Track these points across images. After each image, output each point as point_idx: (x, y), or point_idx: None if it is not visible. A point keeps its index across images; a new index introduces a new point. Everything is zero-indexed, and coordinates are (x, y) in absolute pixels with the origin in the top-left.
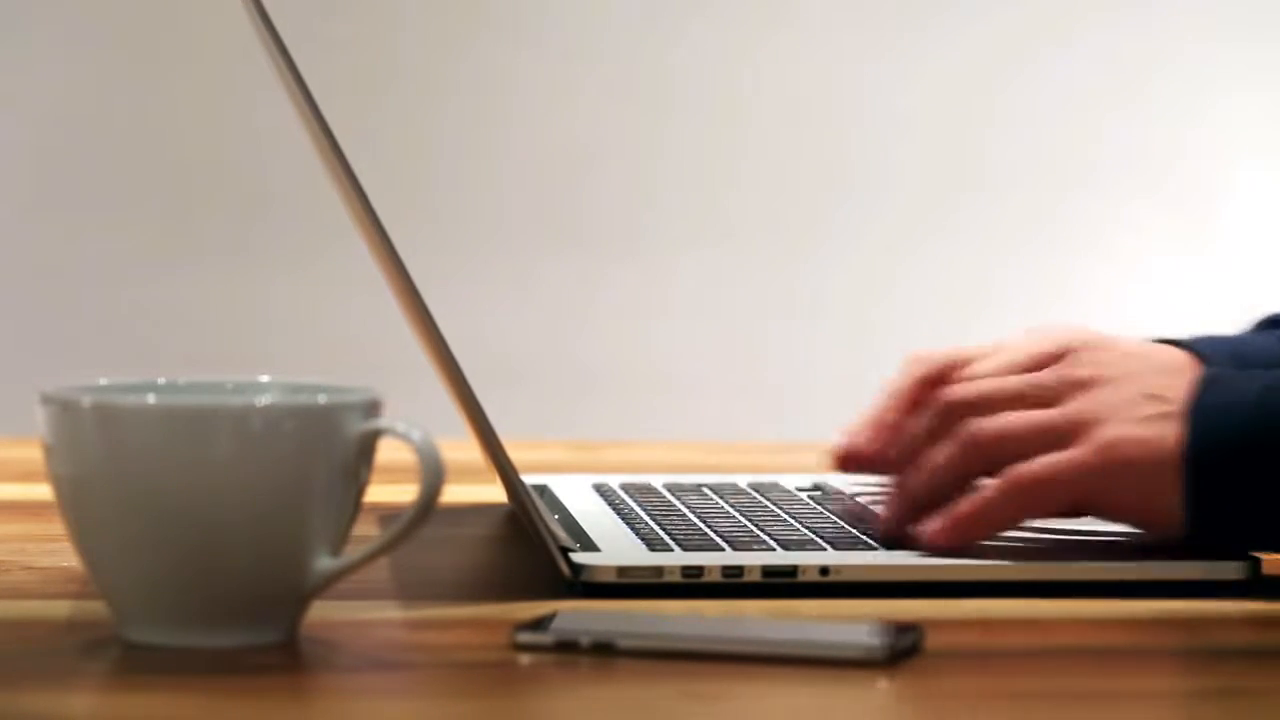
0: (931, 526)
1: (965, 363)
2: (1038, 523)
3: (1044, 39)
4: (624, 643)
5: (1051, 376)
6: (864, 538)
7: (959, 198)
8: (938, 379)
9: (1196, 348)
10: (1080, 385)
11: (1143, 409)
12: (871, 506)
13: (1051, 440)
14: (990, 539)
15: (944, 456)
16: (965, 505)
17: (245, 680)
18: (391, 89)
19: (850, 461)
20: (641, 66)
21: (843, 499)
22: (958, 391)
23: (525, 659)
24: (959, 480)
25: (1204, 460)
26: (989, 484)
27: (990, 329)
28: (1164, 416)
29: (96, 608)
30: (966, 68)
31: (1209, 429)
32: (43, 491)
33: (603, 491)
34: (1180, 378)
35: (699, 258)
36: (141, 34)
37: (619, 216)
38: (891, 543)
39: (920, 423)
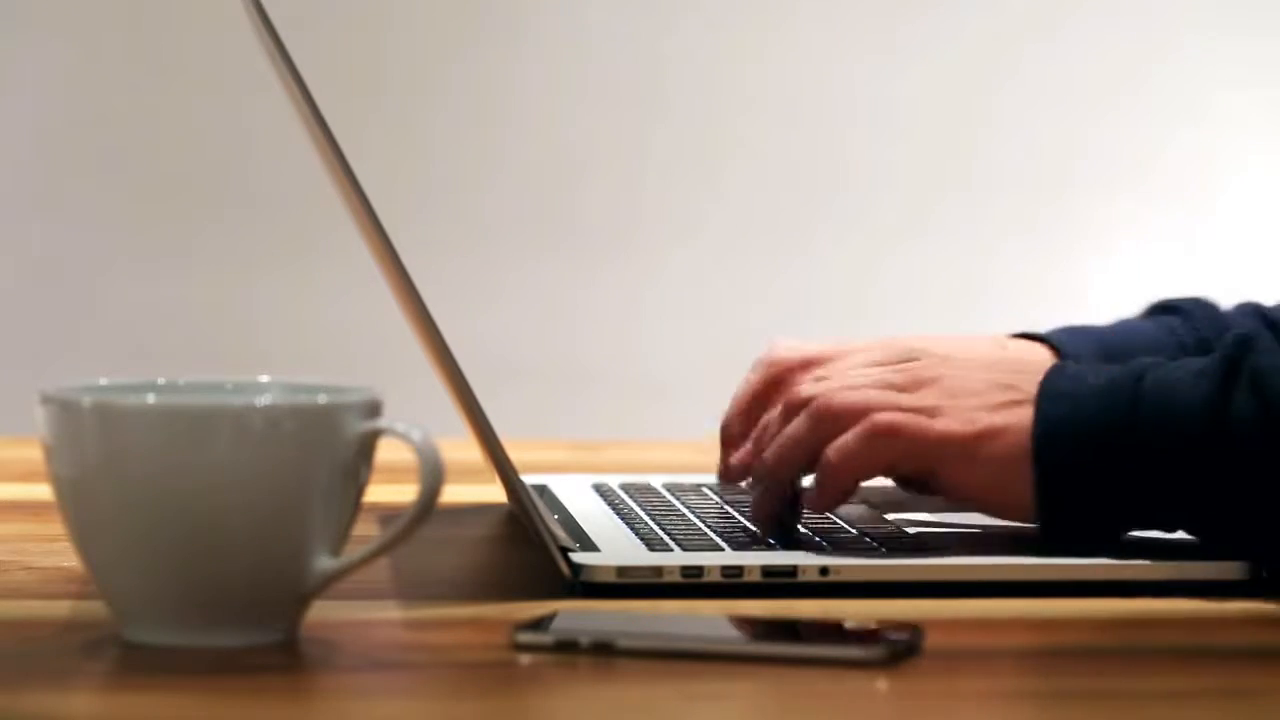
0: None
1: (816, 362)
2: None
3: (1037, 36)
4: (624, 643)
5: (901, 375)
6: (864, 538)
7: (951, 195)
8: (783, 379)
9: (1056, 340)
10: (930, 380)
11: (995, 396)
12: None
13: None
14: (851, 494)
15: (794, 428)
16: (827, 453)
17: (245, 680)
18: (384, 90)
19: (735, 477)
20: (634, 67)
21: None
22: (805, 389)
23: (525, 659)
24: (812, 451)
25: (1053, 447)
26: (847, 434)
27: (982, 326)
28: (1016, 403)
29: (96, 608)
30: (958, 66)
31: (1058, 416)
32: (43, 491)
33: (603, 491)
34: (1032, 370)
35: (692, 256)
36: (141, 34)
37: (612, 215)
38: (780, 536)
39: (771, 418)
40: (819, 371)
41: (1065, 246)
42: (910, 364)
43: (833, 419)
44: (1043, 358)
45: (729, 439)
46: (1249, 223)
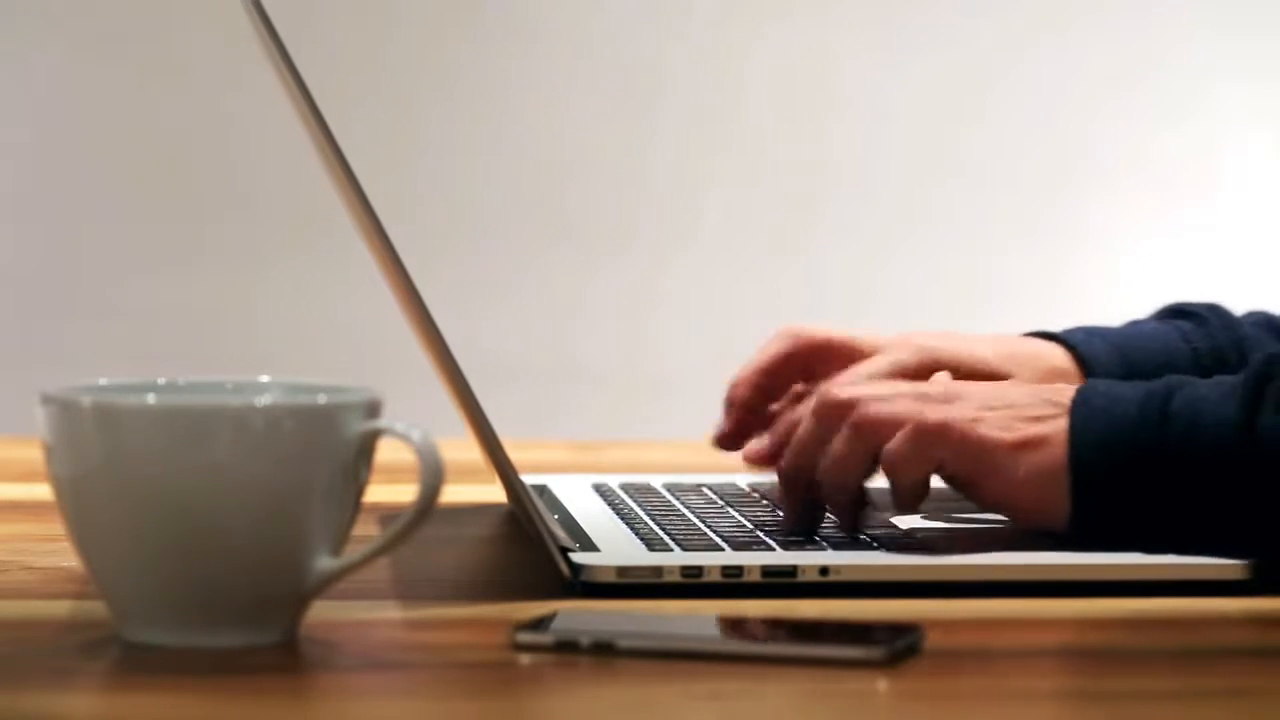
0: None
1: (839, 349)
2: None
3: (1035, 36)
4: (624, 643)
5: (936, 388)
6: (864, 538)
7: (951, 194)
8: (803, 357)
9: (1073, 340)
10: (966, 393)
11: (1032, 409)
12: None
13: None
14: (922, 493)
15: (842, 447)
16: (885, 465)
17: (245, 680)
18: (384, 90)
19: (729, 445)
20: (633, 66)
21: None
22: (842, 393)
23: (525, 659)
24: (863, 463)
25: (1089, 458)
26: (896, 438)
27: (982, 325)
28: (1052, 416)
29: (96, 608)
30: (957, 64)
31: (1094, 431)
32: (43, 491)
33: (603, 491)
34: (1060, 388)
35: (692, 256)
36: (141, 34)
37: (612, 215)
38: (811, 536)
39: (801, 415)
40: (847, 376)
41: (1065, 245)
42: (943, 378)
43: (874, 430)
44: (1062, 363)
45: (734, 402)
46: (1248, 220)
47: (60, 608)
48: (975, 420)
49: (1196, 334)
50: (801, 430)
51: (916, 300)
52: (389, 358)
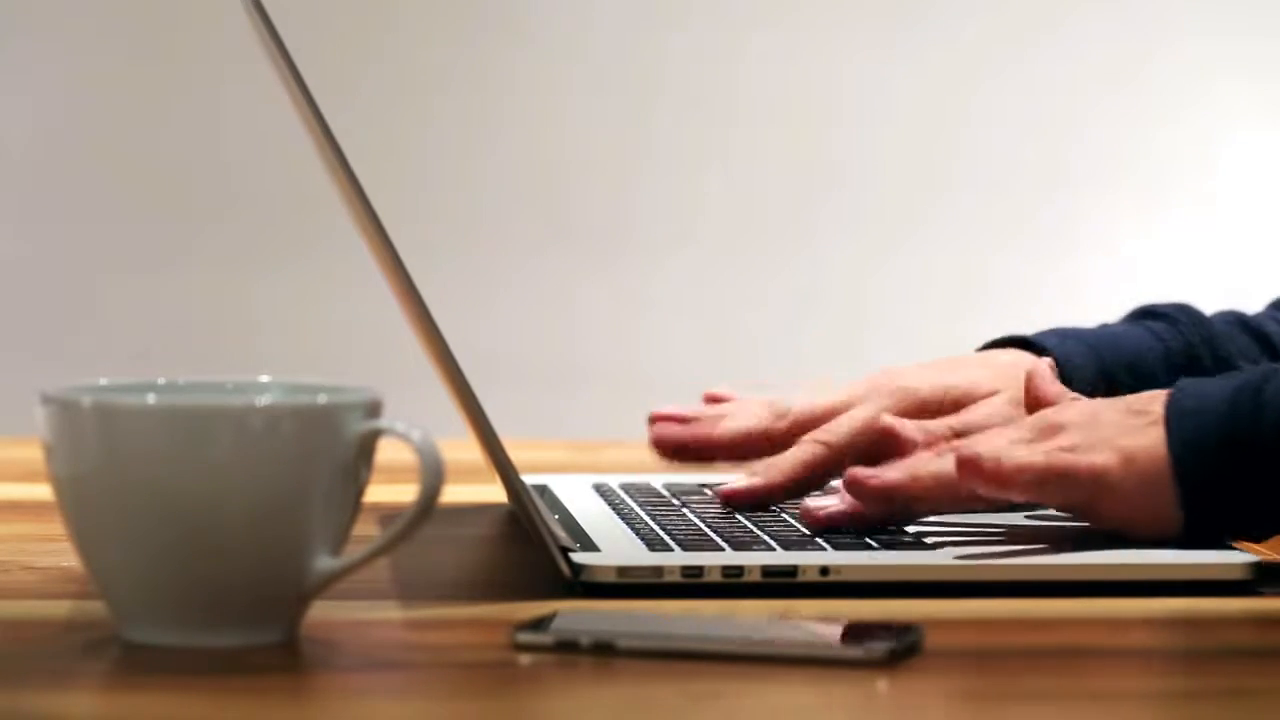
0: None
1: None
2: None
3: (1031, 35)
4: (624, 643)
5: (1030, 432)
6: (864, 538)
7: (946, 195)
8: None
9: (1045, 344)
10: (1059, 425)
11: (1128, 421)
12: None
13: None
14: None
15: (938, 468)
16: (1008, 465)
17: (245, 680)
18: (383, 90)
19: (668, 447)
20: (631, 67)
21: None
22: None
23: (525, 659)
24: (947, 498)
25: (1189, 462)
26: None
27: (979, 325)
28: (1149, 425)
29: (96, 608)
30: (953, 63)
31: (1189, 431)
32: (43, 491)
33: (603, 491)
34: (1149, 396)
35: (690, 256)
36: (140, 33)
37: (610, 216)
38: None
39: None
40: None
41: (1061, 244)
42: (1028, 419)
43: (988, 477)
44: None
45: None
46: (1246, 219)
47: (60, 608)
48: (1078, 449)
49: (1168, 333)
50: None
51: (913, 302)
52: (389, 358)
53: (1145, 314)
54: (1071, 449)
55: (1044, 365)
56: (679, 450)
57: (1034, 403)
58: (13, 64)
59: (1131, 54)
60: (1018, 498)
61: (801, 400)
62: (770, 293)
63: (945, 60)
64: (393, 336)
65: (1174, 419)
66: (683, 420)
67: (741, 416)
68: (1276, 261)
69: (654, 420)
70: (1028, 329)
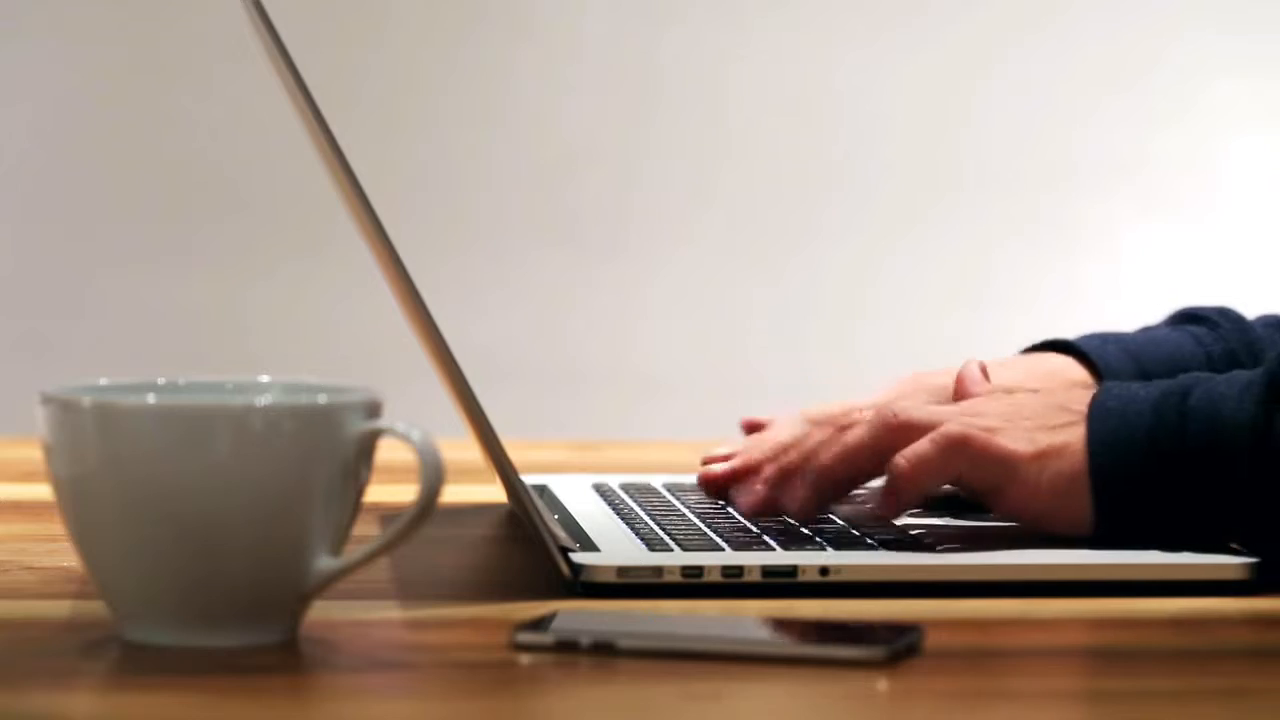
0: (874, 501)
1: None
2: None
3: (1031, 35)
4: (624, 643)
5: (952, 408)
6: (864, 538)
7: (945, 195)
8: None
9: (1087, 348)
10: (984, 409)
11: (1051, 418)
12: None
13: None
14: (917, 501)
15: (857, 435)
16: (898, 460)
17: (245, 680)
18: (383, 90)
19: (716, 487)
20: (629, 67)
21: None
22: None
23: (525, 659)
24: (874, 458)
25: (1107, 462)
26: (920, 440)
27: (978, 326)
28: (1070, 424)
29: (96, 608)
30: (951, 65)
31: (1110, 435)
32: (43, 491)
33: (603, 491)
34: (1080, 390)
35: (689, 256)
36: (140, 33)
37: (609, 215)
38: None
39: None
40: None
41: (1061, 244)
42: (960, 403)
43: (899, 429)
44: (1078, 375)
45: (746, 467)
46: (1245, 218)
47: (60, 608)
48: (994, 430)
49: (1209, 337)
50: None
51: (911, 302)
52: (389, 358)
53: (1187, 317)
54: (987, 430)
55: (974, 365)
56: (724, 482)
57: (962, 400)
58: (12, 64)
59: (1132, 54)
60: (916, 458)
61: (834, 404)
62: (770, 292)
63: (945, 60)
64: (393, 336)
65: (1095, 418)
66: (728, 458)
67: (778, 432)
68: (1277, 262)
69: (704, 464)
70: (1028, 329)
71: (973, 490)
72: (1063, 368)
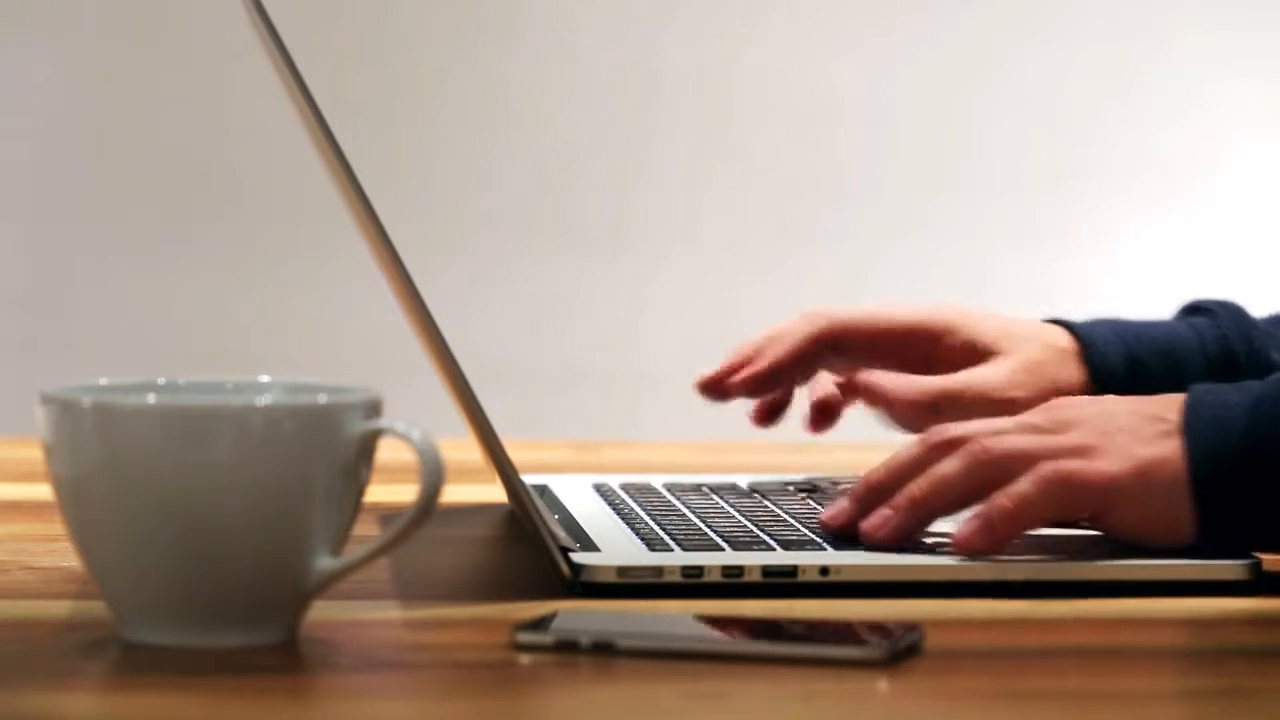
0: (962, 531)
1: (864, 324)
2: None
3: (1030, 35)
4: (624, 643)
5: (1040, 416)
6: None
7: (945, 195)
8: (832, 337)
9: (1084, 331)
10: (1074, 421)
11: (1145, 429)
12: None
13: (1062, 458)
14: (1015, 540)
15: (951, 469)
16: (1000, 499)
17: (245, 680)
18: (382, 89)
19: (711, 389)
20: (629, 66)
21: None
22: (952, 431)
23: (525, 659)
24: (964, 495)
25: (1208, 475)
26: (1020, 481)
27: None
28: (1166, 435)
29: (96, 608)
30: (951, 64)
31: (1209, 444)
32: (43, 491)
33: (603, 491)
34: (1163, 401)
35: (688, 255)
36: (140, 33)
37: (608, 214)
38: (884, 547)
39: (911, 450)
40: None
41: (1060, 244)
42: (1045, 409)
43: (993, 464)
44: (1061, 341)
45: (744, 357)
46: (1244, 218)
47: (60, 608)
48: (1092, 453)
49: (1205, 326)
50: (905, 453)
51: (910, 301)
52: (389, 358)
53: (1190, 309)
54: (1080, 451)
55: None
56: (718, 380)
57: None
58: (12, 63)
59: (1133, 54)
60: (1021, 499)
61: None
62: (770, 292)
63: (946, 60)
64: (393, 336)
65: (1192, 429)
66: (735, 366)
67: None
68: (1277, 262)
69: (704, 382)
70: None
71: (1074, 518)
72: (1045, 329)
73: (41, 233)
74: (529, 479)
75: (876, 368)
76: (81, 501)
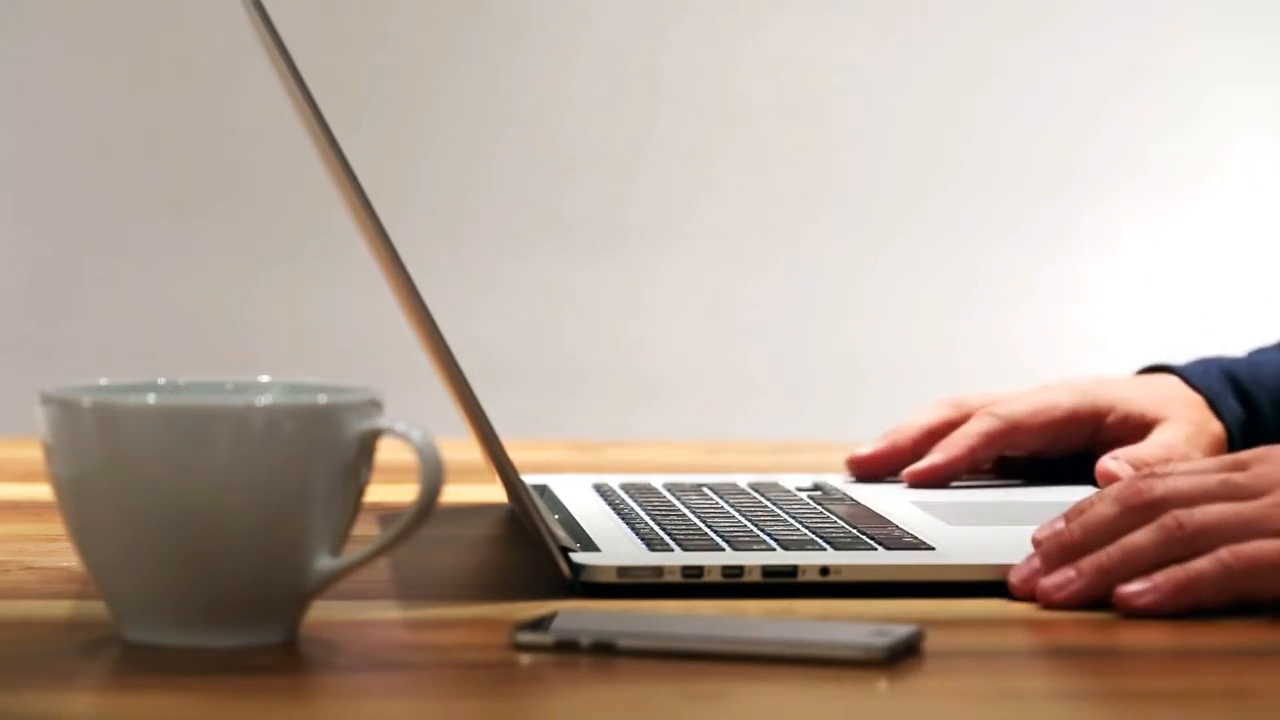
0: (1136, 592)
1: (1035, 420)
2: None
3: (1029, 35)
4: (624, 643)
5: (1247, 477)
6: (864, 538)
7: (944, 194)
8: (1006, 439)
9: (1189, 375)
10: (1249, 489)
11: None
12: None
13: (1258, 534)
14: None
15: (1144, 539)
16: (1181, 573)
17: (245, 680)
18: (379, 88)
19: (861, 469)
20: (629, 65)
21: (844, 499)
22: (1154, 488)
23: (525, 659)
24: (1153, 565)
25: None
26: (1203, 559)
27: (979, 326)
28: None
29: (96, 608)
30: (953, 64)
31: None
32: (43, 491)
33: (603, 491)
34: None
35: (687, 254)
36: (139, 33)
37: (607, 214)
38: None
39: (1107, 509)
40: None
41: (1059, 245)
42: (1254, 467)
43: (1186, 541)
44: (1188, 394)
45: (898, 446)
46: (1244, 219)
47: (60, 608)
48: (1274, 522)
49: None
50: (1100, 512)
51: (909, 301)
52: (389, 358)
53: None
54: (1270, 524)
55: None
56: (871, 463)
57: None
58: (12, 62)
59: (1134, 55)
60: (1219, 585)
61: (974, 395)
62: (769, 291)
63: (945, 59)
64: (393, 336)
65: None
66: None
67: (920, 416)
68: (1277, 263)
69: (853, 461)
70: (1029, 329)
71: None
72: (1175, 385)
73: (42, 233)
74: (529, 479)
75: (1041, 454)
76: (81, 501)
